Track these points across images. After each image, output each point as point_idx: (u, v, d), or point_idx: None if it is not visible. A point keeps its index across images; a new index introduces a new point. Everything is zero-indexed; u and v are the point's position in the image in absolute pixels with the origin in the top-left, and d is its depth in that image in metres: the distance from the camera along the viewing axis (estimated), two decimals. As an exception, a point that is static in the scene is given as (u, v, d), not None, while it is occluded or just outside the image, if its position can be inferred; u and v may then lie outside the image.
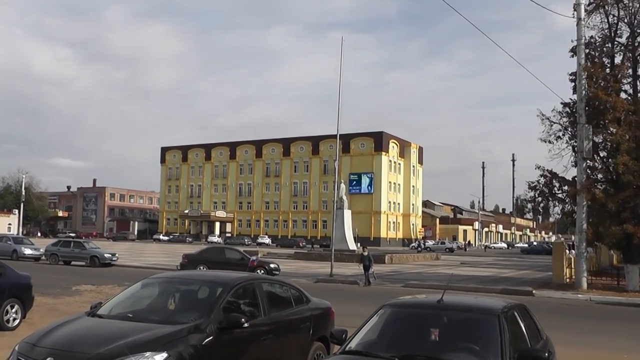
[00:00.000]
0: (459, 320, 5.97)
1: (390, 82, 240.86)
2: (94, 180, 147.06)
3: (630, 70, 27.29)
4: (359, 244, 71.01)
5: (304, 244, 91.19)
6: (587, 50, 27.03)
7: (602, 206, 25.60)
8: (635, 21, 27.18)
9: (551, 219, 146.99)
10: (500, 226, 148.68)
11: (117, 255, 37.82)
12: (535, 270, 41.86)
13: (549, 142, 27.72)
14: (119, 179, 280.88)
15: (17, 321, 12.46)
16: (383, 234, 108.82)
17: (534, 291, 24.34)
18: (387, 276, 32.80)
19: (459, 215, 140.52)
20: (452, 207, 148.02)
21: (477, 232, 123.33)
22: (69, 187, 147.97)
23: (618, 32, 27.73)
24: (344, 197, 51.83)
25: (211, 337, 6.64)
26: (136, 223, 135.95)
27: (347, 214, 50.90)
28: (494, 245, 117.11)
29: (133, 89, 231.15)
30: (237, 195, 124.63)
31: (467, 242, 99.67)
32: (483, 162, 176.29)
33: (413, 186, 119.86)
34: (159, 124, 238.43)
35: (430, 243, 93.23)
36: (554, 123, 27.98)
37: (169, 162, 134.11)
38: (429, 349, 5.61)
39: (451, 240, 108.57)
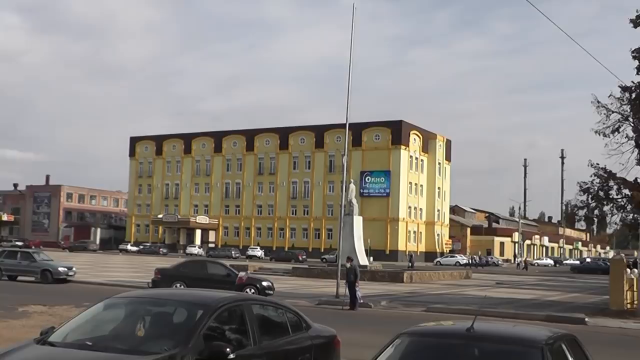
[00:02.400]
0: (493, 353, 5.97)
1: (413, 61, 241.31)
2: (47, 177, 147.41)
3: None
4: (371, 258, 71.12)
5: (304, 257, 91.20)
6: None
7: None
8: None
9: (608, 230, 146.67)
10: (546, 238, 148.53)
11: (74, 269, 37.85)
12: (588, 293, 41.81)
13: (605, 134, 27.67)
14: (78, 175, 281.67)
15: (-49, 348, 12.46)
16: (401, 246, 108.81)
17: (586, 319, 24.31)
18: (405, 298, 32.83)
19: (494, 225, 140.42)
20: (487, 215, 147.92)
21: (517, 245, 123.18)
22: (16, 185, 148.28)
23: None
24: (354, 201, 51.82)
25: (189, 371, 6.64)
26: (98, 230, 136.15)
27: (358, 221, 50.86)
28: (537, 261, 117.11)
29: (96, 66, 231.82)
30: (223, 197, 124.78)
31: (524, 259, 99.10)
32: (525, 160, 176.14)
33: (439, 188, 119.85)
34: (128, 109, 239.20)
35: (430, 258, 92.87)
36: (612, 112, 27.93)
37: (139, 156, 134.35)
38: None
39: (484, 255, 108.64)
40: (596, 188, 28.55)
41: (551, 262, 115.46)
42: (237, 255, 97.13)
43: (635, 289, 28.29)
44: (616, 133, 27.75)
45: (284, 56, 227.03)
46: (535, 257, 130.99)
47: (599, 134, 27.80)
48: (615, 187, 28.52)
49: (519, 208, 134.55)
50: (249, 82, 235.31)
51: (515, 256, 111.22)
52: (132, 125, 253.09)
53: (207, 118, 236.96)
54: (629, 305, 28.31)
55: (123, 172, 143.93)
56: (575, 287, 49.63)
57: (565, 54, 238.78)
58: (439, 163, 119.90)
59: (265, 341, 7.88)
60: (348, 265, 27.82)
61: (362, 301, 27.12)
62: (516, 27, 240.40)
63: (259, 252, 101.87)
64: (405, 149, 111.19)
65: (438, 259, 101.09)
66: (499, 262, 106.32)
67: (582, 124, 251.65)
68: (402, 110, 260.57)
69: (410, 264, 74.45)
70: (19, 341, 8.67)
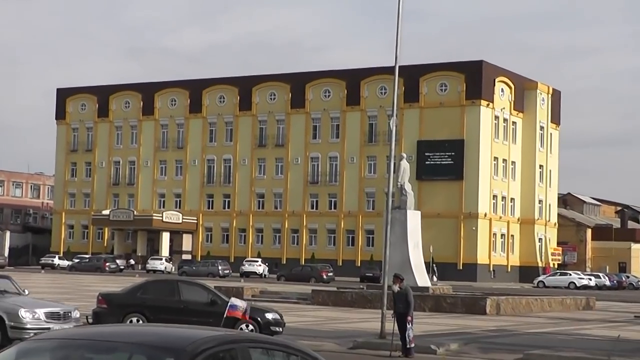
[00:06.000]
0: None
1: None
2: None
3: None
4: (434, 277, 70.77)
5: (330, 274, 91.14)
6: None
7: None
8: None
9: None
10: None
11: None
12: None
13: None
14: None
15: None
16: (481, 258, 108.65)
17: None
18: (487, 339, 32.90)
19: (632, 224, 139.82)
20: (619, 209, 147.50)
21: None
22: None
23: None
24: (408, 187, 51.71)
25: None
26: (7, 234, 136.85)
27: (414, 219, 50.82)
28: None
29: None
30: (204, 183, 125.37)
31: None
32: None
33: (541, 166, 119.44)
34: (54, 46, 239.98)
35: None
36: None
37: (72, 118, 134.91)
38: None
39: (614, 272, 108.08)
40: None
41: None
42: (227, 271, 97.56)
43: None
44: None
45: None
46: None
47: None
48: None
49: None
50: (243, 4, 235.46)
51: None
52: (61, 72, 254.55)
53: (179, 60, 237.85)
54: None
55: (47, 144, 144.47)
56: None
57: None
58: (542, 127, 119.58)
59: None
60: (396, 288, 27.50)
61: (412, 345, 26.90)
62: None
63: (260, 268, 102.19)
64: (488, 105, 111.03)
65: (540, 278, 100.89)
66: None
67: None
68: (483, 46, 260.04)
69: (434, 277, 72.40)
70: None
